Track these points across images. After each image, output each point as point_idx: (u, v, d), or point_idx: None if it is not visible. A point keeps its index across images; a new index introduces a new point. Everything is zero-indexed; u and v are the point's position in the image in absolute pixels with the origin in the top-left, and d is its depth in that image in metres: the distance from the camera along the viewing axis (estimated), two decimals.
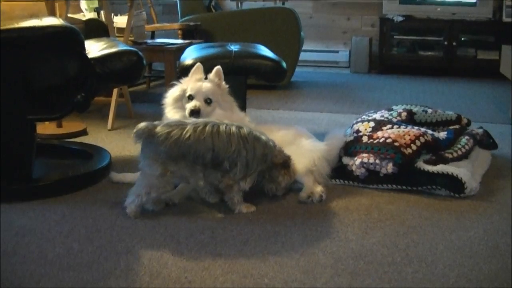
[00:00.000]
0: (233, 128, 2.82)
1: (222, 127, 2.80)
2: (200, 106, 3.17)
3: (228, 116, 3.15)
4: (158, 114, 5.14)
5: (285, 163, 2.99)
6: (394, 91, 6.83)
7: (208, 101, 3.21)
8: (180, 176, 2.86)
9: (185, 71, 3.71)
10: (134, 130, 2.78)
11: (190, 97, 3.22)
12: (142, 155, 2.81)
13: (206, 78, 3.29)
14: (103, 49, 3.50)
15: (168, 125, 2.78)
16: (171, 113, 3.29)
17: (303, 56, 7.62)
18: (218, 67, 3.31)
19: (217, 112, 3.21)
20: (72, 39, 3.13)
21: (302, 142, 3.35)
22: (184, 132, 2.73)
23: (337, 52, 8.93)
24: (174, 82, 3.35)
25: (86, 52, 3.28)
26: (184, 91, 3.27)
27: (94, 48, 3.54)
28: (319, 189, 3.13)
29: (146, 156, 2.79)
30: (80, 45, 3.18)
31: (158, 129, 2.75)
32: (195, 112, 3.15)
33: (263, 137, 2.91)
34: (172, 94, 3.33)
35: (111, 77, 3.38)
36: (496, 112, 5.58)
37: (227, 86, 3.33)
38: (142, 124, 2.79)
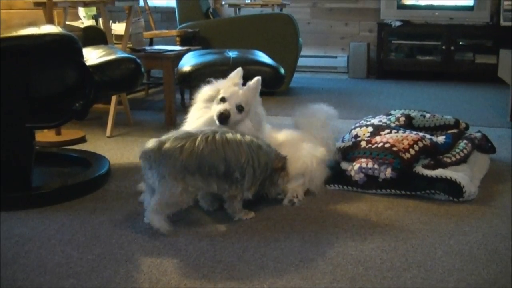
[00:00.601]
0: (239, 137, 2.80)
1: (230, 136, 2.77)
2: (231, 112, 3.03)
3: (255, 131, 3.09)
4: (157, 121, 5.19)
5: (283, 166, 2.99)
6: (392, 96, 6.83)
7: (239, 108, 3.06)
8: (195, 188, 2.76)
9: (183, 78, 3.72)
10: (141, 151, 2.69)
11: (223, 100, 3.06)
12: (157, 175, 2.66)
13: (244, 85, 3.17)
14: (101, 56, 3.50)
15: (177, 138, 2.69)
16: (197, 111, 3.18)
17: (301, 61, 7.63)
18: (259, 77, 3.18)
19: (246, 124, 3.10)
20: (70, 47, 3.13)
21: (302, 146, 3.35)
22: (197, 144, 2.67)
23: (335, 57, 8.94)
24: (211, 79, 3.23)
25: (85, 59, 3.29)
26: (217, 92, 3.12)
27: (93, 56, 3.55)
28: (298, 192, 3.18)
29: (162, 175, 2.64)
30: (78, 53, 3.19)
31: (168, 145, 2.65)
32: (224, 117, 3.00)
33: (264, 145, 2.91)
34: (205, 91, 3.18)
35: (110, 85, 3.38)
36: (495, 116, 5.58)
37: (261, 99, 3.23)
38: (149, 144, 2.68)
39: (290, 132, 3.45)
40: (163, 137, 2.73)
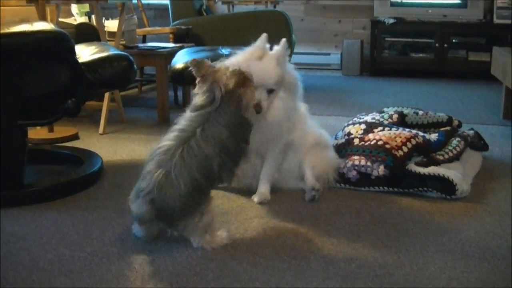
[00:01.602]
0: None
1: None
2: (263, 102, 2.85)
3: (289, 108, 3.00)
4: (150, 118, 5.19)
5: (240, 81, 2.52)
6: (386, 94, 6.84)
7: (270, 92, 2.91)
8: None
9: (176, 75, 3.72)
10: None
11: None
12: None
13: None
14: (93, 54, 3.50)
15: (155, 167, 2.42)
16: None
17: (294, 59, 7.62)
18: (284, 39, 3.03)
19: (276, 104, 2.95)
20: (63, 44, 3.12)
21: (328, 152, 3.39)
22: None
23: (328, 54, 8.93)
24: (237, 51, 3.00)
25: (77, 57, 3.28)
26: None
27: (85, 53, 3.55)
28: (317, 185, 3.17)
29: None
30: (71, 50, 3.18)
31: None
32: (257, 111, 2.81)
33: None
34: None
35: (102, 82, 3.36)
36: (487, 114, 5.59)
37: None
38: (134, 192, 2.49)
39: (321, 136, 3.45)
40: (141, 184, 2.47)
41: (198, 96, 2.54)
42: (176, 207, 2.37)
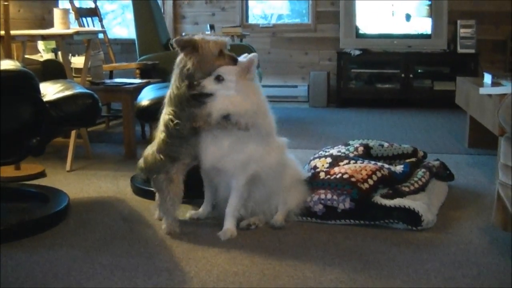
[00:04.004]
0: None
1: None
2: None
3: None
4: (117, 153, 5.18)
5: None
6: (352, 125, 6.89)
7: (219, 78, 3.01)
8: None
9: (141, 112, 3.72)
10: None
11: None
12: None
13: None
14: (58, 92, 3.49)
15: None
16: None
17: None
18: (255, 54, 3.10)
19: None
20: (26, 83, 3.11)
21: (302, 187, 3.43)
22: None
23: (295, 87, 9.00)
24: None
25: (42, 95, 3.27)
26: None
27: (50, 91, 3.54)
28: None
29: None
30: (35, 89, 3.17)
31: None
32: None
33: None
34: None
35: (67, 121, 3.36)
36: (453, 142, 5.65)
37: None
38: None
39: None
40: None
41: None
42: None
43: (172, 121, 3.01)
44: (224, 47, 3.03)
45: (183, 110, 3.00)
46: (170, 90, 3.06)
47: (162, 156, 3.07)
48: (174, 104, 3.03)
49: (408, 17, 8.52)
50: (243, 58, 3.08)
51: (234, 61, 3.03)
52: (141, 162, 3.20)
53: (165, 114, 3.07)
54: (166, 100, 3.10)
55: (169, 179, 3.10)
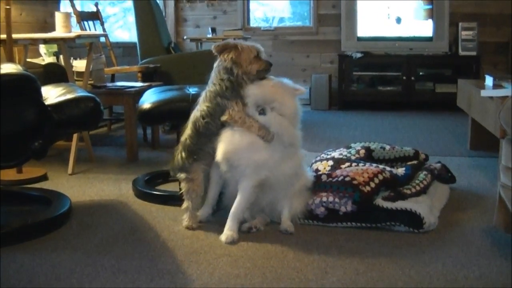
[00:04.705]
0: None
1: None
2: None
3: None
4: (119, 157, 5.18)
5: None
6: (354, 127, 6.89)
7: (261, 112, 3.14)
8: None
9: (143, 115, 3.72)
10: None
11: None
12: None
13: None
14: (60, 95, 3.49)
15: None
16: None
17: None
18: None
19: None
20: (29, 86, 3.13)
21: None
22: None
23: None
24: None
25: (44, 98, 3.28)
26: None
27: (52, 94, 3.54)
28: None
29: None
30: (37, 93, 3.18)
31: None
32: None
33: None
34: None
35: (69, 124, 3.36)
36: (455, 145, 5.65)
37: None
38: None
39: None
40: None
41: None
42: None
43: (203, 117, 3.14)
44: (260, 53, 3.17)
45: (217, 105, 3.11)
46: (207, 89, 3.19)
47: (184, 155, 3.21)
48: (209, 100, 3.15)
49: (408, 20, 8.51)
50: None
51: (269, 66, 3.22)
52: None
53: (197, 111, 3.21)
54: (200, 99, 3.22)
55: (189, 178, 3.24)
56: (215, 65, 3.18)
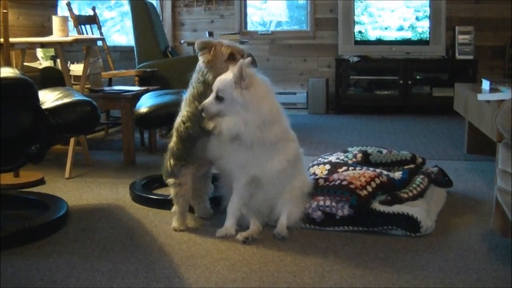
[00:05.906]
0: None
1: None
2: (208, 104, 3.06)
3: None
4: (116, 161, 5.18)
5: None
6: (351, 131, 6.90)
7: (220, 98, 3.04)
8: None
9: (139, 119, 3.73)
10: None
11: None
12: None
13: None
14: (57, 99, 3.49)
15: None
16: None
17: None
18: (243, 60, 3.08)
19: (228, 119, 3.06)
20: (26, 91, 3.12)
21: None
22: None
23: (294, 93, 9.00)
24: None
25: (41, 102, 3.28)
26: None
27: (49, 98, 3.54)
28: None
29: None
30: (34, 97, 3.18)
31: None
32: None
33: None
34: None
35: (65, 128, 3.36)
36: (452, 149, 5.66)
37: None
38: None
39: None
40: None
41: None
42: None
43: (183, 122, 3.16)
44: (237, 52, 3.15)
45: (196, 108, 3.11)
46: (188, 92, 3.20)
47: (172, 161, 3.24)
48: (188, 104, 3.17)
49: (406, 23, 8.53)
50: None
51: None
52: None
53: (179, 117, 3.23)
54: (183, 104, 3.23)
55: (177, 183, 3.27)
56: (198, 64, 3.20)
